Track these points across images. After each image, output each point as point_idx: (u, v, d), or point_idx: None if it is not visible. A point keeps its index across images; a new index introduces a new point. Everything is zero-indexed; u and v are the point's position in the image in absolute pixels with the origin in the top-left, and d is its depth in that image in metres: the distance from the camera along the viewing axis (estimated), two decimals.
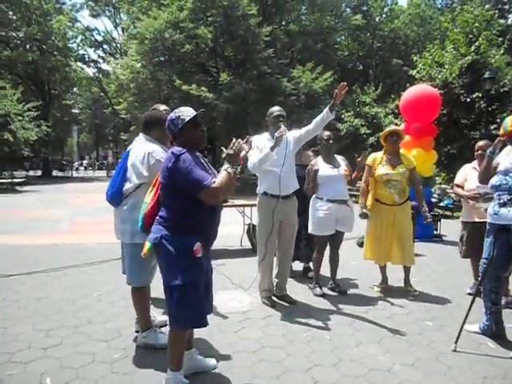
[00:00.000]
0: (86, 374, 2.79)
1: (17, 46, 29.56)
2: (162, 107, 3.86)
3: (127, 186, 3.14)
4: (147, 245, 2.51)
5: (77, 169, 45.77)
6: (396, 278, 4.75)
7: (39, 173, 33.49)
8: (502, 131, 3.47)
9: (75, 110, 43.08)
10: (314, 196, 4.45)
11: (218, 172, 2.51)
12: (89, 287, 4.68)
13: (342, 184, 4.38)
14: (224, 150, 2.56)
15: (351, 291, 4.63)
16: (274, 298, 4.24)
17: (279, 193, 3.91)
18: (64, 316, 3.80)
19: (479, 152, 4.46)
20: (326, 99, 21.10)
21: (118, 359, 2.99)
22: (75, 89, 40.09)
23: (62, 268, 5.51)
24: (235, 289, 4.65)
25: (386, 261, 4.63)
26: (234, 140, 2.56)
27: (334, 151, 4.55)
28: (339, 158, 4.55)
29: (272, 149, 3.78)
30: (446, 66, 13.89)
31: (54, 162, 38.91)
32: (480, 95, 13.15)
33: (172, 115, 2.58)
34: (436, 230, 8.35)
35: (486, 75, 11.79)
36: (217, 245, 6.72)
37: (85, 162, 54.70)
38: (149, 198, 2.70)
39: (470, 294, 4.34)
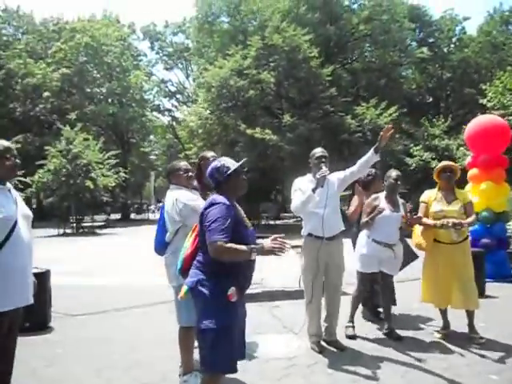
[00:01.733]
0: None
1: (100, 101, 32.54)
2: (210, 154, 4.05)
3: (167, 234, 3.36)
4: (184, 288, 2.58)
5: (153, 211, 48.15)
6: (462, 324, 4.38)
7: (119, 216, 35.69)
8: None
9: (152, 157, 45.88)
10: (364, 233, 4.32)
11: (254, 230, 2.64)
12: (145, 329, 4.82)
13: (394, 228, 4.23)
14: (278, 237, 2.56)
15: (409, 335, 4.34)
16: (324, 343, 4.09)
17: (323, 234, 3.86)
18: (117, 357, 3.94)
19: None
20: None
21: None
22: (151, 136, 42.86)
23: (123, 309, 5.75)
24: (286, 333, 4.55)
25: (447, 304, 4.30)
26: (275, 236, 2.56)
27: (397, 192, 4.44)
28: (400, 202, 4.41)
29: (314, 190, 3.76)
30: None
31: (133, 205, 41.37)
32: None
33: (216, 163, 2.67)
34: None
35: None
36: (275, 286, 6.77)
37: (160, 204, 57.40)
38: (188, 243, 2.76)
39: None
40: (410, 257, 4.88)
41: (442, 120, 20.47)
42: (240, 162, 2.67)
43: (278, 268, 6.45)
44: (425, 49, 26.34)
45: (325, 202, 3.83)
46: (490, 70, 29.17)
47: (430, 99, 33.14)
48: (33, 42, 32.94)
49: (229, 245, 2.41)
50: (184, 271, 2.72)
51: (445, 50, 31.09)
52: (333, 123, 19.26)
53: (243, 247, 2.45)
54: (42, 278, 4.92)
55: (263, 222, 22.75)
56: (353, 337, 4.30)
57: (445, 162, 4.50)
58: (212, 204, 2.51)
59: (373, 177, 4.78)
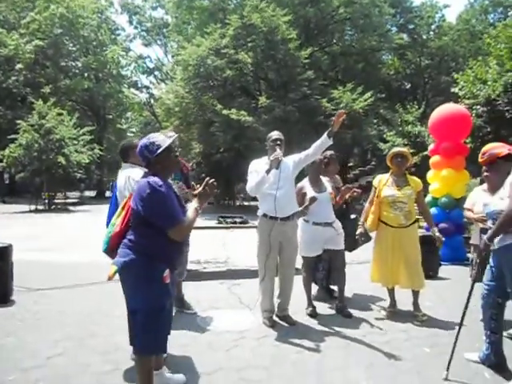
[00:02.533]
0: (75, 383, 2.98)
1: (75, 75, 31.77)
2: (170, 133, 4.11)
3: None
4: (113, 268, 2.49)
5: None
6: (410, 302, 4.64)
7: (93, 193, 35.31)
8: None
9: (129, 134, 45.20)
10: (302, 219, 4.50)
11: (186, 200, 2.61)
12: (106, 303, 4.93)
13: (327, 207, 4.41)
14: (195, 186, 2.65)
15: (358, 314, 4.57)
16: (276, 319, 4.29)
17: (276, 215, 4.01)
18: (74, 329, 4.04)
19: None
20: (366, 119, 20.97)
21: (109, 372, 3.16)
22: (129, 113, 42.18)
23: (85, 285, 5.84)
24: (241, 308, 4.73)
25: (394, 284, 4.55)
26: (207, 180, 2.60)
27: (319, 174, 4.62)
28: (325, 180, 4.60)
29: (267, 172, 3.89)
30: (489, 83, 13.40)
31: (108, 183, 40.89)
32: None
33: (145, 141, 2.54)
34: (469, 252, 7.99)
35: None
36: (239, 264, 6.94)
37: None
38: (117, 221, 2.63)
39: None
40: (363, 239, 5.09)
41: (416, 107, 20.77)
42: (170, 140, 2.56)
43: (243, 247, 6.60)
44: (404, 35, 26.59)
45: (278, 184, 3.96)
46: (468, 58, 29.60)
47: (409, 85, 33.53)
48: (5, 11, 31.66)
49: (187, 220, 2.45)
50: (111, 250, 2.61)
51: (424, 36, 31.33)
52: (310, 106, 19.36)
53: (192, 212, 2.49)
54: (4, 253, 4.98)
55: (238, 203, 22.92)
56: (313, 315, 4.46)
57: (397, 149, 4.69)
58: (150, 189, 2.40)
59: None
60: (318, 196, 4.37)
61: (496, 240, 3.09)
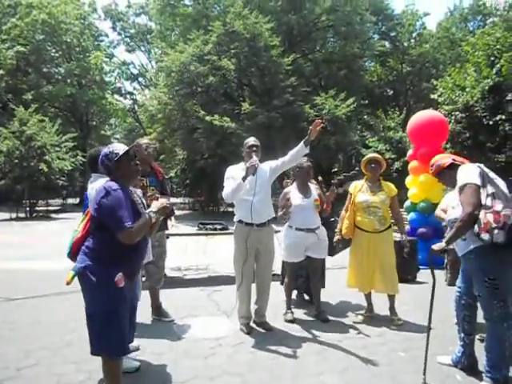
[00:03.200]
0: None
1: (57, 81, 31.44)
2: (144, 140, 4.12)
3: None
4: (71, 273, 2.61)
5: None
6: (386, 307, 4.68)
7: (76, 201, 34.86)
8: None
9: (113, 140, 44.84)
10: (287, 224, 4.52)
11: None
12: (83, 312, 4.87)
13: (311, 213, 4.43)
14: (158, 196, 2.70)
15: (335, 319, 4.61)
16: (253, 325, 4.29)
17: (252, 221, 4.02)
18: (49, 338, 3.99)
19: None
20: (349, 125, 21.18)
21: (82, 381, 3.12)
22: (112, 120, 41.86)
23: (64, 293, 5.76)
24: (219, 315, 4.72)
25: (370, 288, 4.60)
26: (163, 200, 2.73)
27: (304, 180, 4.63)
28: (312, 187, 4.63)
29: (243, 179, 3.91)
30: (467, 89, 13.68)
31: None
32: (503, 117, 12.85)
33: (105, 150, 2.67)
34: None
35: (509, 97, 11.57)
36: (220, 271, 6.92)
37: None
38: (80, 227, 2.77)
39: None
40: (344, 244, 5.12)
41: (398, 113, 21.08)
42: (128, 148, 2.66)
43: (224, 254, 6.59)
44: (386, 42, 26.95)
45: (254, 190, 3.98)
46: (448, 65, 30.16)
47: (391, 92, 33.96)
48: None
49: (134, 227, 2.49)
50: (73, 255, 2.73)
51: (405, 44, 31.79)
52: (293, 112, 19.44)
53: (144, 220, 2.56)
54: None
55: (222, 209, 22.86)
56: (292, 321, 4.46)
57: (371, 155, 4.76)
58: (104, 193, 2.51)
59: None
60: (303, 202, 4.39)
61: (460, 247, 3.20)
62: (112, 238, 2.52)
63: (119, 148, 2.66)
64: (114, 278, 2.51)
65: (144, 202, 2.82)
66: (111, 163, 2.63)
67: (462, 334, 3.40)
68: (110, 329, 2.52)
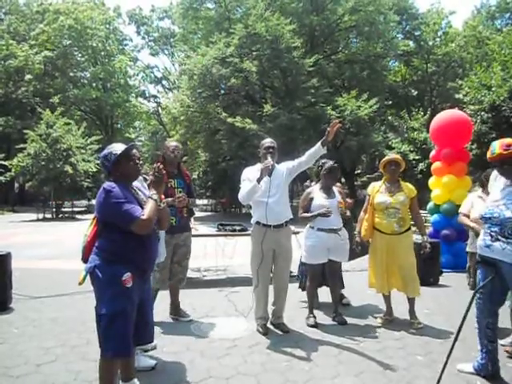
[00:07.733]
0: None
1: (83, 85, 32.21)
2: (172, 143, 4.23)
3: None
4: (82, 274, 2.67)
5: None
6: (406, 311, 4.59)
7: None
8: (489, 155, 3.26)
9: (138, 143, 45.57)
10: (308, 225, 4.49)
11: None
12: None
13: (334, 214, 4.35)
14: (147, 177, 2.72)
15: (353, 321, 4.55)
16: (270, 326, 4.28)
17: (267, 222, 4.01)
18: (69, 336, 4.07)
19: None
20: (372, 126, 20.95)
21: (97, 378, 3.16)
22: (137, 123, 42.55)
23: (86, 292, 5.87)
24: (236, 316, 4.73)
25: (390, 289, 4.51)
26: (155, 165, 2.72)
27: (332, 182, 4.59)
28: (335, 189, 4.57)
29: (258, 181, 3.91)
30: (494, 88, 13.36)
31: None
32: None
33: (104, 152, 2.71)
34: None
35: None
36: (238, 272, 6.94)
37: None
38: (88, 231, 2.78)
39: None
40: (363, 249, 5.05)
41: (422, 113, 20.71)
42: (125, 148, 2.67)
43: (243, 255, 6.61)
44: (410, 42, 26.51)
45: (269, 192, 3.97)
46: (474, 64, 29.49)
47: (415, 92, 33.41)
48: (15, 22, 32.30)
49: (146, 213, 2.52)
50: (86, 259, 2.78)
51: (430, 43, 31.24)
52: (315, 113, 19.39)
53: (149, 204, 2.57)
54: (2, 262, 5.05)
55: (244, 211, 22.91)
56: (314, 325, 4.36)
57: (390, 156, 4.68)
58: (104, 193, 2.54)
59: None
60: (327, 202, 4.36)
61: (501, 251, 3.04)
62: (120, 236, 2.55)
63: (117, 148, 2.68)
64: (121, 276, 2.53)
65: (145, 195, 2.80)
66: (110, 164, 2.66)
67: (485, 341, 3.29)
68: (115, 328, 2.53)
